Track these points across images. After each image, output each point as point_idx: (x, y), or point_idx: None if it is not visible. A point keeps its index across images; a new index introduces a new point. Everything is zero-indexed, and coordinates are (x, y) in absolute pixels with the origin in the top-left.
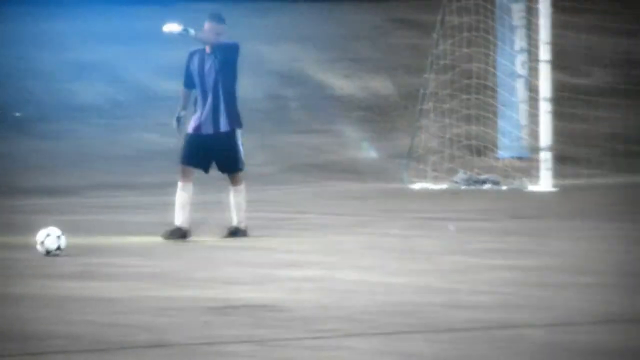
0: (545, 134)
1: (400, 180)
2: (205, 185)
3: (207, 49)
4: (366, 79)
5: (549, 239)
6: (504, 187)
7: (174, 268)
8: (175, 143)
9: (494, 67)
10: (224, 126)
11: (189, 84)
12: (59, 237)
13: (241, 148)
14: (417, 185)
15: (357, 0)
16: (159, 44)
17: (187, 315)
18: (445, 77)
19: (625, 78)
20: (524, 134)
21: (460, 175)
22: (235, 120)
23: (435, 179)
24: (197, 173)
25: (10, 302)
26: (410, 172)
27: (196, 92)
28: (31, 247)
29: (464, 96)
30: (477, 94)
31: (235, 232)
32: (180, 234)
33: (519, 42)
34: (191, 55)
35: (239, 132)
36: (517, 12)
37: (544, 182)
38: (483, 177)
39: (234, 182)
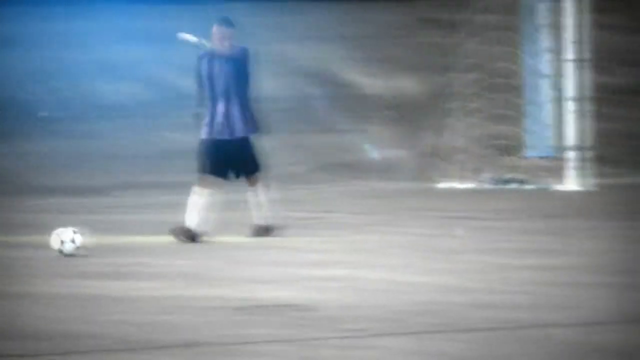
0: (572, 134)
1: (427, 180)
2: (228, 185)
3: (217, 54)
4: (393, 78)
5: (576, 238)
6: (530, 187)
7: (202, 267)
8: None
9: (520, 66)
10: (239, 132)
11: (202, 86)
12: (73, 240)
13: (257, 151)
14: (444, 185)
15: (384, 0)
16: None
17: (215, 314)
18: (472, 76)
19: None
20: (550, 133)
21: (486, 174)
22: (251, 125)
23: (462, 178)
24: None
25: (38, 302)
26: (437, 172)
27: (207, 96)
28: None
29: (490, 95)
30: (503, 93)
31: (260, 231)
32: (189, 235)
33: (545, 41)
34: (200, 59)
35: (254, 137)
36: (543, 11)
37: (571, 182)
38: (509, 176)
39: (251, 183)
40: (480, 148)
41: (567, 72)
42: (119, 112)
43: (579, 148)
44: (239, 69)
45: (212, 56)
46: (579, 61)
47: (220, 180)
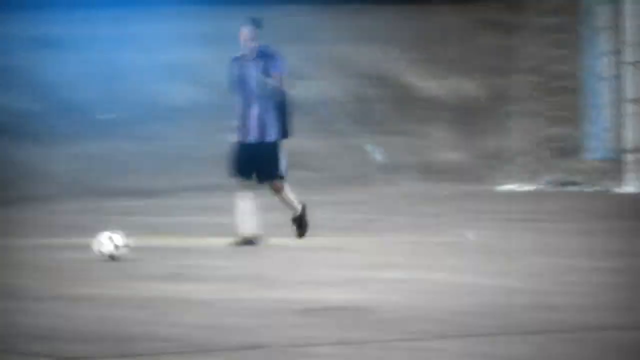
0: (630, 136)
1: (487, 182)
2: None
3: (249, 56)
4: (453, 80)
5: (636, 240)
6: (589, 189)
7: (263, 270)
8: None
9: (579, 69)
10: (270, 136)
11: (235, 91)
12: (119, 242)
13: (283, 157)
14: (503, 187)
15: (444, 2)
16: None
17: (278, 316)
18: (531, 79)
19: None
20: (609, 135)
21: (546, 176)
22: (283, 130)
23: (521, 181)
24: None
25: (103, 304)
26: (496, 174)
27: (239, 99)
28: (123, 249)
29: (549, 98)
30: (562, 95)
31: (300, 221)
32: (247, 243)
33: (604, 43)
34: (233, 61)
35: (282, 142)
36: (602, 14)
37: (629, 184)
38: (570, 178)
39: (276, 189)
40: (540, 150)
41: (625, 75)
42: (179, 114)
43: (638, 150)
44: (267, 70)
45: (244, 59)
46: (638, 63)
47: (248, 182)
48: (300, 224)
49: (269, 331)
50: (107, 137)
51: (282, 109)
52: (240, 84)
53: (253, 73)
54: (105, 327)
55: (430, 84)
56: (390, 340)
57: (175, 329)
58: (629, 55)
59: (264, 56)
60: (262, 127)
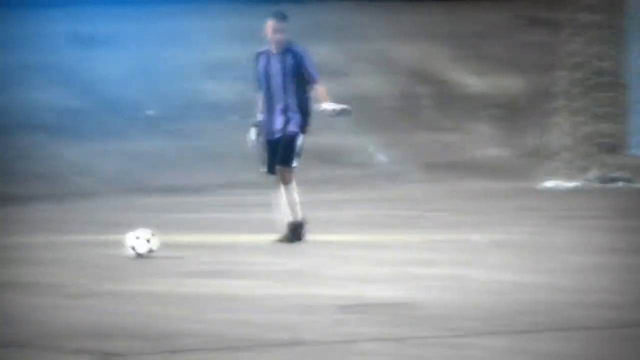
0: None
1: (532, 179)
2: (327, 184)
3: (274, 50)
4: (497, 76)
5: None
6: (636, 185)
7: (305, 265)
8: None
9: (625, 65)
10: (291, 128)
11: (260, 87)
12: (148, 240)
13: (298, 150)
14: (549, 183)
15: None
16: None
17: (321, 313)
18: (576, 75)
19: None
20: None
21: (592, 173)
22: (302, 126)
23: (567, 177)
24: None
25: (142, 300)
26: (542, 170)
27: (262, 95)
28: (165, 245)
29: (595, 94)
30: (608, 91)
31: (296, 228)
32: (296, 227)
33: None
34: (258, 56)
35: (301, 137)
36: None
37: None
38: (615, 174)
39: (285, 180)
40: (585, 146)
41: None
42: (224, 111)
43: None
44: (295, 67)
45: (269, 54)
46: None
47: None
48: (294, 231)
49: (310, 328)
50: (150, 134)
51: (304, 104)
52: (265, 79)
53: (278, 68)
54: (145, 324)
55: (474, 81)
56: (431, 337)
57: (215, 325)
58: None
59: (290, 52)
60: (286, 123)
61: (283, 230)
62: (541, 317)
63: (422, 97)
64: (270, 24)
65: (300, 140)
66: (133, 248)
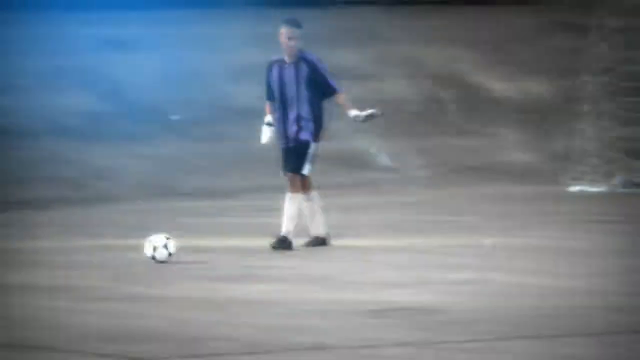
0: None
1: (558, 183)
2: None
3: (287, 59)
4: (524, 81)
5: None
6: None
7: (330, 271)
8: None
9: None
10: (304, 136)
11: (270, 96)
12: (165, 245)
13: (311, 158)
14: (575, 188)
15: (516, 3)
16: (316, 47)
17: (345, 317)
18: (603, 80)
19: None
20: None
21: (619, 177)
22: (315, 134)
23: (593, 182)
24: (316, 182)
25: (167, 304)
26: (568, 175)
27: (275, 104)
28: (190, 249)
29: (622, 98)
30: (634, 96)
31: (284, 241)
32: (318, 243)
33: None
34: (271, 65)
35: (315, 145)
36: None
37: None
38: None
39: (295, 187)
40: (612, 151)
41: None
42: (251, 115)
43: None
44: (313, 77)
45: (282, 62)
46: None
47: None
48: (283, 242)
49: (336, 332)
50: (177, 138)
51: (317, 111)
52: (278, 88)
53: (292, 77)
54: (173, 328)
55: (501, 85)
56: (457, 341)
57: (242, 329)
58: None
59: (304, 61)
60: (299, 131)
61: (309, 235)
62: (564, 321)
63: (449, 101)
64: (283, 32)
65: (312, 148)
66: (153, 258)
